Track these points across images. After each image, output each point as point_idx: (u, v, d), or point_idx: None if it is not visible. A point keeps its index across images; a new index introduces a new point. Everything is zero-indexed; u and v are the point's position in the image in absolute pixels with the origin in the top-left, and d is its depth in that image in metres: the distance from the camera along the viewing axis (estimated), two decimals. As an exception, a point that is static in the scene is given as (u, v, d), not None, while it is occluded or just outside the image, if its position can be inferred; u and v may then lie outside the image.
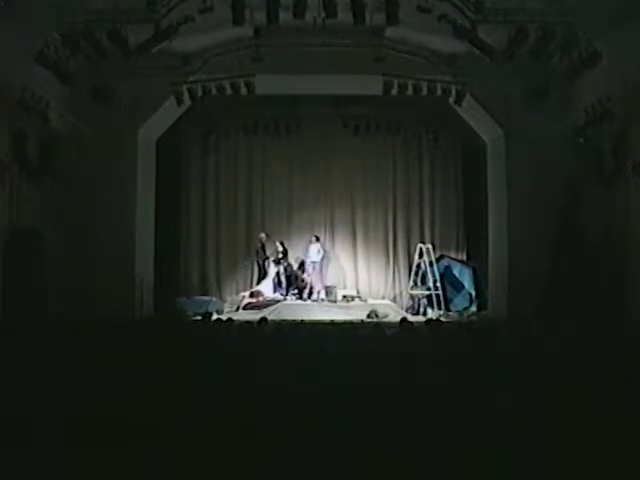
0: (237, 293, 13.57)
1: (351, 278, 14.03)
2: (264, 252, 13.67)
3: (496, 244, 11.94)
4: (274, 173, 14.15)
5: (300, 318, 10.93)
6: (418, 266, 13.25)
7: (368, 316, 11.87)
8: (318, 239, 13.60)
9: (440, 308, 12.86)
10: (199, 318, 8.29)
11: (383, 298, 13.69)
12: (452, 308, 13.18)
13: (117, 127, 10.83)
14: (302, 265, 13.57)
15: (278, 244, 13.45)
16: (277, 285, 13.37)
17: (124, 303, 10.51)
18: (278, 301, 12.69)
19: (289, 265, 13.51)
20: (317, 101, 12.79)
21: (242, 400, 3.55)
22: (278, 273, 13.36)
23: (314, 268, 13.47)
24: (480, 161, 12.69)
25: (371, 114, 13.46)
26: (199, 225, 14.05)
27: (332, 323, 10.03)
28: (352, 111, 13.34)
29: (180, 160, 13.89)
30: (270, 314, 10.95)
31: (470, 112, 11.65)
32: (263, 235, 13.72)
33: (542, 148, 10.72)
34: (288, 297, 13.07)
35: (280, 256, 13.35)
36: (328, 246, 14.08)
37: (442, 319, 10.29)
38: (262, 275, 13.59)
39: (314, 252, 13.53)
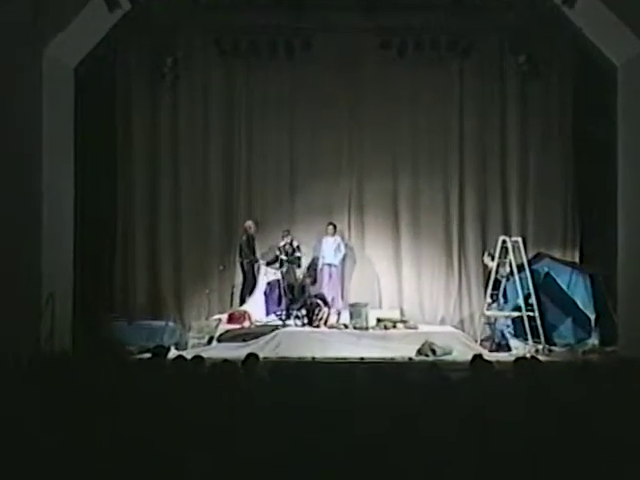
0: (209, 316, 13.54)
1: (391, 292, 14.13)
2: (252, 250, 13.62)
3: (630, 238, 11.81)
4: (268, 121, 14.08)
5: (310, 355, 11.42)
6: (499, 271, 13.04)
7: (419, 352, 11.97)
8: (336, 229, 13.62)
9: (537, 340, 12.65)
10: (148, 356, 8.35)
11: (443, 324, 13.76)
12: (557, 340, 13.05)
13: (8, 44, 10.67)
14: (313, 269, 13.70)
15: (287, 237, 13.42)
16: (274, 302, 13.35)
17: (22, 330, 10.43)
18: (275, 327, 12.69)
19: (291, 270, 13.44)
20: (338, 5, 12.81)
21: None
22: (278, 283, 13.35)
23: (330, 275, 13.61)
24: (605, 100, 12.55)
25: (424, 26, 13.25)
26: (147, 206, 14.00)
27: (362, 362, 10.60)
28: (393, 21, 13.18)
29: (115, 100, 13.83)
30: (263, 348, 11.33)
31: (589, 18, 11.42)
32: (250, 223, 13.70)
33: None
34: (291, 321, 13.01)
35: (283, 256, 13.37)
36: (354, 241, 14.13)
37: (540, 358, 9.82)
38: (249, 287, 13.60)
39: (330, 249, 13.62)
